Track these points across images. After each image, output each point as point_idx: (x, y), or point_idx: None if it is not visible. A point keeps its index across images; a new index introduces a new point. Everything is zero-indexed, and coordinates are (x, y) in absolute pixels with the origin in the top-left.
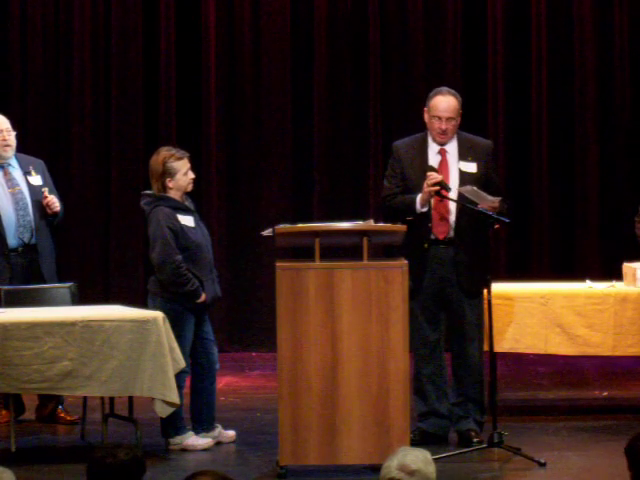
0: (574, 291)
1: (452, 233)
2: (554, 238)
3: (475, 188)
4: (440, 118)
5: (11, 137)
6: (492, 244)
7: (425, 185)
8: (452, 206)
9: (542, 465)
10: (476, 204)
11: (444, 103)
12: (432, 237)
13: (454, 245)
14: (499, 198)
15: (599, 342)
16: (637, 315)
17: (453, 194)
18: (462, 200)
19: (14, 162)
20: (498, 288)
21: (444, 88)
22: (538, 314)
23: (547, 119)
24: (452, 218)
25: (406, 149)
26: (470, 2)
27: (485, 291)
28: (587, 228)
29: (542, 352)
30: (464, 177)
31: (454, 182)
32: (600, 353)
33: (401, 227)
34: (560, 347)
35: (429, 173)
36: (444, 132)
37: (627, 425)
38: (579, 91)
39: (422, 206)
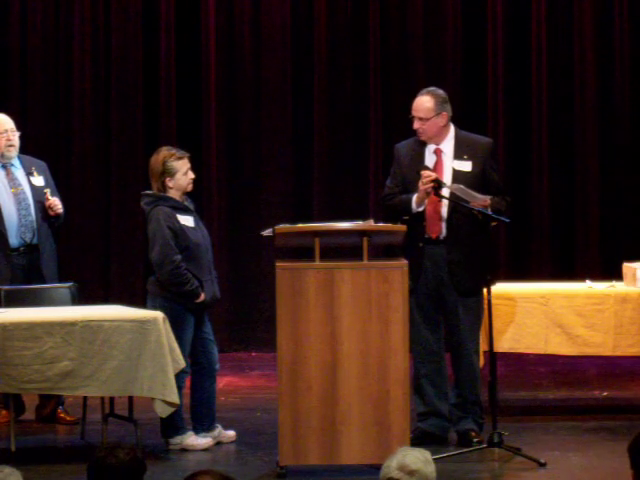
0: (574, 291)
1: (445, 232)
2: (554, 238)
3: (462, 187)
4: (414, 117)
5: (15, 137)
6: (491, 243)
7: (420, 184)
8: (446, 205)
9: (542, 465)
10: (468, 202)
11: (416, 103)
12: (426, 236)
13: (447, 244)
14: (489, 196)
15: (599, 342)
16: (637, 315)
17: (444, 193)
18: (453, 199)
19: (17, 162)
20: (498, 288)
21: (428, 88)
22: (538, 314)
23: (547, 119)
24: (445, 217)
25: (405, 150)
26: (470, 2)
27: (485, 291)
28: (587, 228)
29: (542, 352)
30: (458, 176)
31: (448, 181)
32: (600, 353)
33: (401, 227)
34: (560, 347)
35: (423, 172)
36: (417, 131)
37: (627, 425)
38: (579, 91)
39: (418, 205)
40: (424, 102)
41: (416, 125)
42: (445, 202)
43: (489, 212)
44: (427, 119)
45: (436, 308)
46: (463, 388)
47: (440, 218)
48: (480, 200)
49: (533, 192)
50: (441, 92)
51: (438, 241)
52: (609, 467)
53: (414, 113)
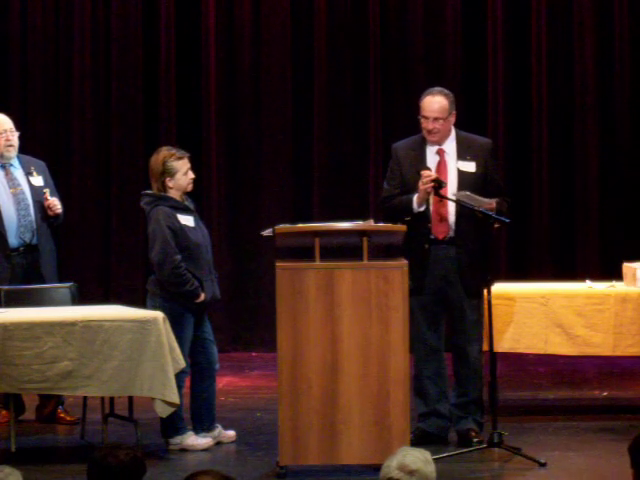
0: (574, 291)
1: (452, 233)
2: (554, 238)
3: (468, 193)
4: (427, 118)
5: (14, 137)
6: (493, 244)
7: (420, 184)
8: (451, 206)
9: (542, 465)
10: (474, 206)
11: (430, 103)
12: (432, 237)
13: (454, 245)
14: (495, 199)
15: (599, 342)
16: (637, 315)
17: (449, 195)
18: (454, 200)
19: (16, 162)
20: (498, 288)
21: (436, 88)
22: (538, 314)
23: (547, 119)
24: (451, 218)
25: (405, 150)
26: (470, 2)
27: (485, 291)
28: (587, 228)
29: (542, 352)
30: (463, 177)
31: (453, 182)
32: (600, 353)
33: (401, 227)
34: (560, 347)
35: (423, 172)
36: (430, 132)
37: (627, 425)
38: (579, 91)
39: (419, 205)
40: (439, 102)
41: (431, 125)
42: (449, 203)
43: (490, 213)
44: (443, 119)
45: (440, 309)
46: (467, 388)
47: (446, 219)
48: (486, 204)
49: (533, 192)
50: (449, 91)
51: (445, 242)
52: (609, 467)
53: (428, 114)
